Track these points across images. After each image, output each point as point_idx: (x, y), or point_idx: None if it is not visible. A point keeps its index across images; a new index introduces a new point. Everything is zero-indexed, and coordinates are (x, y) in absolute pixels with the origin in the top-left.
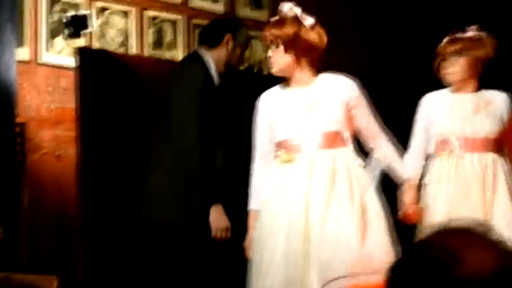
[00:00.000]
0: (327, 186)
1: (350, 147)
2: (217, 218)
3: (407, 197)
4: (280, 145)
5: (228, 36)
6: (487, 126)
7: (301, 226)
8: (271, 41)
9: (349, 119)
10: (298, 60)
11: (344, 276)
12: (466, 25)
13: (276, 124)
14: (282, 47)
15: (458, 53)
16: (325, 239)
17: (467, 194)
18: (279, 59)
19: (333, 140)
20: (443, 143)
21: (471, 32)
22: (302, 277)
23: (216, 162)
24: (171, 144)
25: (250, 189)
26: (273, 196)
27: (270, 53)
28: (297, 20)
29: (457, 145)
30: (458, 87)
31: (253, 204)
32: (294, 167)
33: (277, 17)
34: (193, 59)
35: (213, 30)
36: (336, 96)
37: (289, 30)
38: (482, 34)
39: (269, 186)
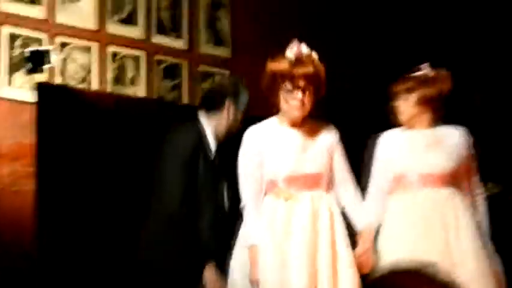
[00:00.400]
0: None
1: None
2: (212, 280)
3: (364, 246)
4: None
5: (229, 101)
6: (443, 162)
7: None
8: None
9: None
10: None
11: None
12: (422, 62)
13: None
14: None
15: (408, 91)
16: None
17: (426, 230)
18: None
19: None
20: (398, 180)
21: (422, 70)
22: None
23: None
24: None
25: (250, 225)
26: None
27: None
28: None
29: (412, 181)
30: (411, 125)
31: (257, 239)
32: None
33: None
34: (189, 125)
35: (214, 94)
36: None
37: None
38: (434, 71)
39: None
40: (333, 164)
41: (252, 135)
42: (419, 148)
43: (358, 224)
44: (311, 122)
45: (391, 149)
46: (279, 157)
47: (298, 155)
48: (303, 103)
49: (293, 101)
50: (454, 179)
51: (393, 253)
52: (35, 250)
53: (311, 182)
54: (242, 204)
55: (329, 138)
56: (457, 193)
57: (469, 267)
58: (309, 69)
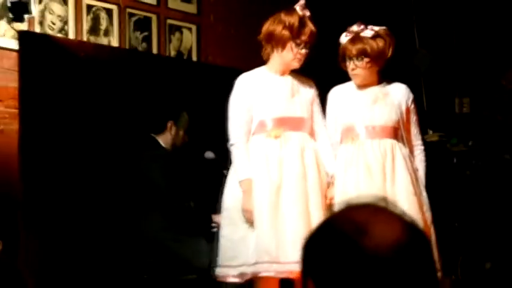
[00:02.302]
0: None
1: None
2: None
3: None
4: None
5: (170, 123)
6: (385, 115)
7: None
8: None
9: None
10: None
11: None
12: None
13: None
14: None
15: (361, 53)
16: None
17: (370, 176)
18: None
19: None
20: (347, 132)
21: (372, 30)
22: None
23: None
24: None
25: (242, 161)
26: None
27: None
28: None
29: (359, 133)
30: (362, 83)
31: (248, 173)
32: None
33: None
34: (152, 146)
35: (156, 118)
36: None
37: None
38: (382, 32)
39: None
40: (312, 113)
41: (243, 82)
42: (367, 103)
43: (329, 168)
44: (295, 73)
45: (340, 103)
46: (269, 100)
47: (287, 99)
48: (301, 57)
49: (298, 54)
50: (396, 131)
51: (341, 193)
52: (19, 189)
53: (297, 124)
54: (230, 143)
55: (310, 90)
56: (397, 143)
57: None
58: (313, 28)
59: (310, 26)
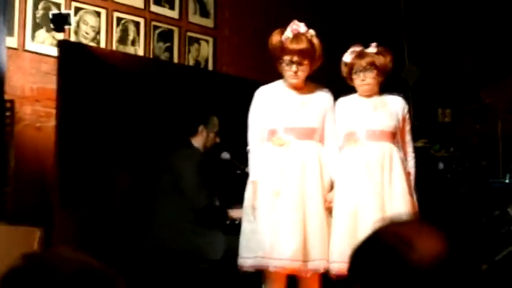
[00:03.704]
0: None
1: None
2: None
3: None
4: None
5: (201, 128)
6: (384, 121)
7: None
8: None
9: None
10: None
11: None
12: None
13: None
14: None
15: (370, 65)
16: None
17: (369, 174)
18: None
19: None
20: (349, 136)
21: (375, 48)
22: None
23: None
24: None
25: (252, 165)
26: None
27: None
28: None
29: (360, 136)
30: (369, 93)
31: (256, 176)
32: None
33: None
34: (186, 146)
35: (188, 123)
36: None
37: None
38: (382, 49)
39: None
40: (324, 122)
41: (260, 94)
42: (368, 110)
43: (332, 174)
44: (311, 85)
45: (344, 111)
46: (279, 111)
47: (295, 110)
48: (296, 74)
49: (289, 72)
50: (393, 136)
51: (342, 191)
52: (55, 179)
53: (305, 133)
54: (247, 148)
55: (324, 101)
56: (394, 147)
57: (395, 205)
58: (303, 45)
59: (296, 45)
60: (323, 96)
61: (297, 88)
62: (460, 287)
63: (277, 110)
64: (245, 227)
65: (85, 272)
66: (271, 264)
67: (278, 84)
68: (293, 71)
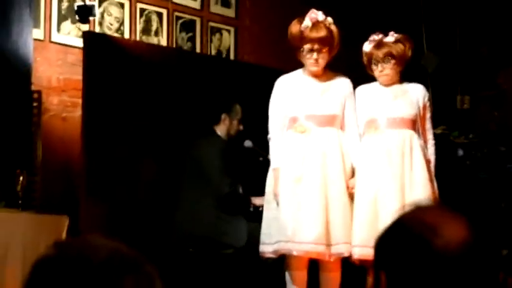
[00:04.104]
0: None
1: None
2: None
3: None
4: None
5: (224, 116)
6: (405, 109)
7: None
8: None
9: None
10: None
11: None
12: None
13: None
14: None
15: (388, 55)
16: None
17: (390, 161)
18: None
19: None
20: (370, 124)
21: (393, 36)
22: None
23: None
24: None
25: (273, 153)
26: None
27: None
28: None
29: (381, 124)
30: (389, 82)
31: (278, 163)
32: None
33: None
34: (210, 134)
35: (211, 112)
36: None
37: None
38: (401, 37)
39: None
40: (344, 109)
41: (280, 83)
42: (389, 98)
43: (354, 160)
44: (330, 73)
45: (365, 99)
46: (300, 99)
47: (316, 97)
48: (317, 61)
49: (310, 60)
50: (413, 124)
51: (363, 178)
52: (81, 168)
53: (326, 120)
54: (268, 136)
55: (343, 88)
56: (414, 135)
57: (416, 192)
58: (322, 33)
59: (318, 32)
60: (342, 83)
61: (317, 76)
62: (485, 272)
63: (298, 98)
64: (267, 214)
65: (116, 259)
66: (294, 248)
67: (298, 72)
68: (314, 59)
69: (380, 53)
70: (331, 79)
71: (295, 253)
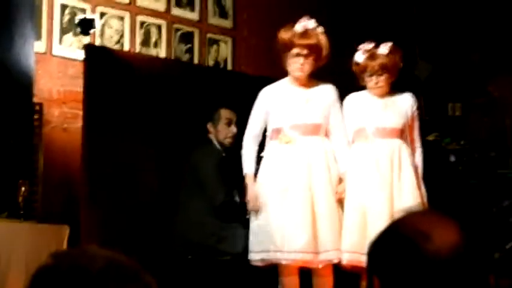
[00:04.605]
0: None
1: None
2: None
3: (344, 185)
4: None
5: (209, 125)
6: (394, 119)
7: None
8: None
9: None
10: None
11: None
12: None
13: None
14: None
15: (383, 68)
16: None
17: (379, 170)
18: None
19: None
20: (359, 132)
21: (385, 48)
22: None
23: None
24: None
25: (245, 159)
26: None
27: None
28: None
29: (370, 133)
30: (382, 93)
31: (248, 169)
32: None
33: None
34: (207, 142)
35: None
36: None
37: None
38: (392, 47)
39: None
40: (330, 116)
41: (264, 94)
42: (378, 108)
43: (342, 166)
44: (315, 82)
45: (354, 108)
46: (284, 109)
47: (300, 106)
48: (302, 67)
49: (295, 65)
50: (402, 133)
51: (352, 186)
52: (82, 178)
53: (311, 129)
54: (243, 142)
55: (327, 96)
56: (403, 144)
57: (404, 199)
58: (311, 40)
59: (304, 40)
60: (327, 91)
61: (301, 84)
62: (476, 276)
63: (282, 108)
64: (252, 223)
65: (114, 268)
66: (283, 257)
67: (282, 82)
68: (300, 63)
69: (375, 65)
70: (316, 88)
71: (283, 262)
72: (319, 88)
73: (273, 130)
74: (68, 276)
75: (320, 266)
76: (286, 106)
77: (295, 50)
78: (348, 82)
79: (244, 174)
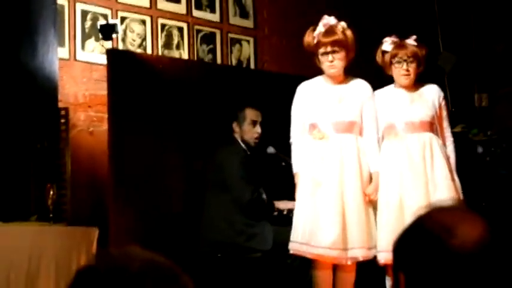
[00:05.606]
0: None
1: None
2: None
3: (374, 185)
4: None
5: (234, 124)
6: (422, 112)
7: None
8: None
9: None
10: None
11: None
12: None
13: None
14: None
15: (413, 56)
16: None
17: (412, 165)
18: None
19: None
20: (389, 128)
21: (412, 39)
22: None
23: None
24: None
25: (294, 158)
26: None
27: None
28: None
29: (400, 129)
30: (410, 84)
31: (297, 167)
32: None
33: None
34: (233, 142)
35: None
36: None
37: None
38: (417, 40)
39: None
40: (362, 114)
41: (301, 89)
42: (406, 102)
43: (372, 166)
44: (349, 79)
45: (382, 104)
46: (319, 105)
47: (334, 104)
48: (332, 63)
49: (326, 63)
50: (431, 125)
51: (385, 184)
52: (109, 180)
53: (344, 127)
54: (290, 140)
55: (361, 93)
56: (433, 136)
57: (439, 192)
58: (335, 36)
59: (329, 37)
60: (361, 88)
61: (336, 82)
62: (503, 270)
63: (317, 104)
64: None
65: (152, 269)
66: (308, 251)
67: (318, 79)
68: (329, 61)
69: (406, 52)
70: (350, 85)
71: (309, 256)
72: (354, 85)
73: (309, 125)
74: (107, 276)
75: (349, 262)
76: (321, 103)
77: (322, 49)
78: (369, 78)
79: (294, 173)
